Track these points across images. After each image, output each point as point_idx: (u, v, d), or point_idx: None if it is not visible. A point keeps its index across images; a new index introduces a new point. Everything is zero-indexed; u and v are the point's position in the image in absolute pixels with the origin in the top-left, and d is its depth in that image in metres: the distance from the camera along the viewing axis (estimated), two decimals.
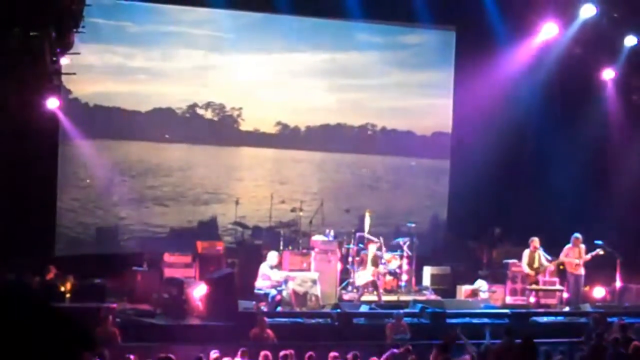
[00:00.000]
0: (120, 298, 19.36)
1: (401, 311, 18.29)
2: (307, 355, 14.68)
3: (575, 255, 21.12)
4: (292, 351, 14.73)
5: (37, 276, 18.70)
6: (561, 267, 21.43)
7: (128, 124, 22.71)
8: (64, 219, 21.95)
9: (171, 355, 13.58)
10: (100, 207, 22.50)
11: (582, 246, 21.12)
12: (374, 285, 20.50)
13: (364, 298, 20.35)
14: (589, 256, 21.06)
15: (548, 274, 21.40)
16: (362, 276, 20.48)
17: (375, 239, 21.01)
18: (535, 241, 21.14)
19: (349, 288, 21.15)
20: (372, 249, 20.68)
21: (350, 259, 21.28)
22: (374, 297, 20.46)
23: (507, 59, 23.44)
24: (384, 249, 21.20)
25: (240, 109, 23.84)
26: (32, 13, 17.81)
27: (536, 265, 21.09)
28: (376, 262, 20.61)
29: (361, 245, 21.18)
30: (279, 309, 19.28)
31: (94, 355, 12.83)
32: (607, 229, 22.00)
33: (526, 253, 21.16)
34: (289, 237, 22.06)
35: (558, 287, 21.36)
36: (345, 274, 21.25)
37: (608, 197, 23.49)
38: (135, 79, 22.82)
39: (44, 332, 5.65)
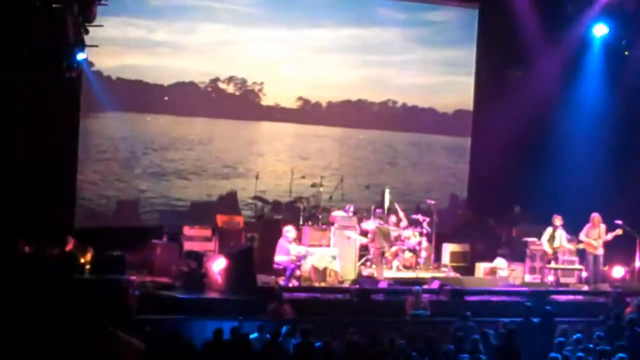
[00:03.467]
0: (139, 271, 19.41)
1: (419, 287, 18.27)
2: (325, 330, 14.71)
3: (595, 235, 21.05)
4: None
5: (56, 248, 18.75)
6: (580, 246, 21.35)
7: (150, 97, 22.73)
8: (85, 191, 22.00)
9: None
10: (121, 180, 22.55)
11: (602, 226, 21.04)
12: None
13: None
14: (609, 236, 21.00)
15: (568, 253, 21.32)
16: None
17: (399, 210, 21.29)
18: (558, 219, 21.09)
19: (368, 264, 21.18)
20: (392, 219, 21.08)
21: (369, 235, 21.29)
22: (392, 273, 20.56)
23: (529, 37, 23.31)
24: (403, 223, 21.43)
25: (262, 83, 23.81)
26: None
27: (556, 244, 21.04)
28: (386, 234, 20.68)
29: (381, 222, 21.21)
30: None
31: None
32: (628, 208, 21.87)
33: (548, 231, 21.11)
34: (309, 212, 22.05)
35: (577, 266, 21.29)
36: (364, 250, 21.26)
37: (630, 176, 23.35)
38: (157, 52, 22.80)
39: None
